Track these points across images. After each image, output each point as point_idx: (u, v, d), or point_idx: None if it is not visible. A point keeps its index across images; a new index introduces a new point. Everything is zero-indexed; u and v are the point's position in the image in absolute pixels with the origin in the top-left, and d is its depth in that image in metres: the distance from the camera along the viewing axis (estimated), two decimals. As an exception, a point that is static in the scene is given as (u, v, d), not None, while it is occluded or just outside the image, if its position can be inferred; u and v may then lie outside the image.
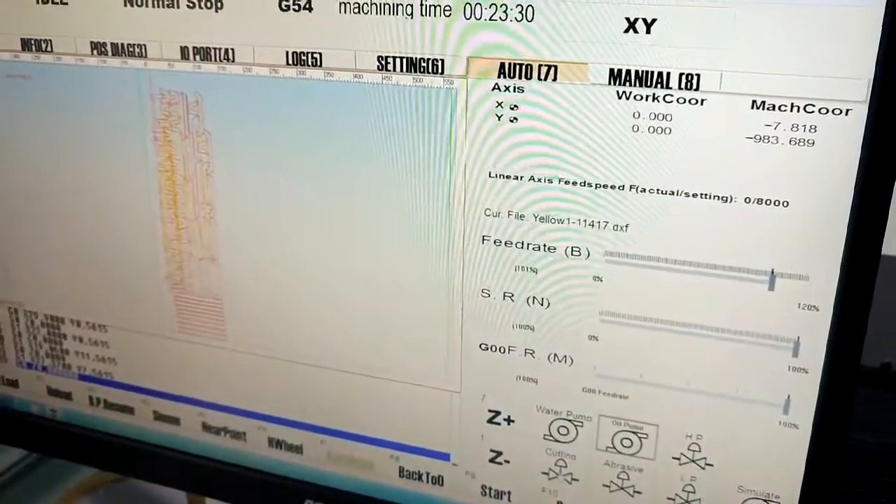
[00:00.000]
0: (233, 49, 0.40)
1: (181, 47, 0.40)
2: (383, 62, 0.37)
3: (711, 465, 0.38)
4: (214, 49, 0.40)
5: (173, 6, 0.40)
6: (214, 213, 0.43)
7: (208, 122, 0.41)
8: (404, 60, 0.37)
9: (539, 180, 0.37)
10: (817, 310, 0.35)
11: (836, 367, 0.35)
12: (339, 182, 0.40)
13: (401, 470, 0.44)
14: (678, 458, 0.38)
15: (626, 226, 0.36)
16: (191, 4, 0.40)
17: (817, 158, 0.33)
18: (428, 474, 0.43)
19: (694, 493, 0.39)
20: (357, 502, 0.44)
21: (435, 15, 0.36)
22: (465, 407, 0.41)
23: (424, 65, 0.37)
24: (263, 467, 0.46)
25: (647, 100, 0.34)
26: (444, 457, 0.42)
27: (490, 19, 0.35)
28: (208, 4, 0.39)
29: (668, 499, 0.39)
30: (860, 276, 0.34)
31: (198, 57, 0.40)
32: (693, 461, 0.38)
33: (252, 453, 0.46)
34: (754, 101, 0.33)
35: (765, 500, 0.38)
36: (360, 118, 0.38)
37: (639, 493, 0.40)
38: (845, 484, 0.58)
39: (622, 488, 0.40)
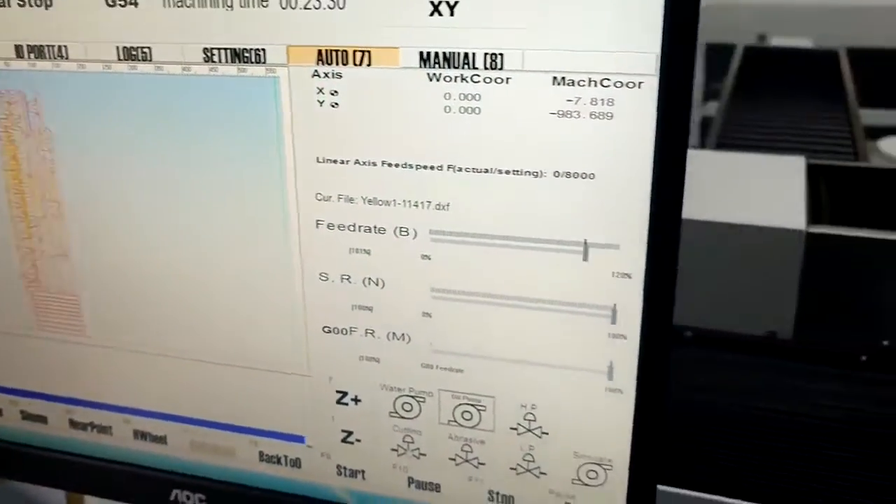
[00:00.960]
0: (65, 46, 0.40)
1: (15, 46, 0.41)
2: (209, 54, 0.38)
3: (547, 434, 0.39)
4: (48, 47, 0.40)
5: (5, 5, 0.40)
6: (62, 209, 0.43)
7: (48, 119, 0.42)
8: (228, 52, 0.38)
9: (364, 163, 0.38)
10: (630, 277, 0.36)
11: (651, 332, 0.37)
12: (178, 174, 0.40)
13: (260, 454, 0.44)
14: (516, 429, 0.40)
15: (448, 204, 0.37)
16: (21, 2, 0.40)
17: (616, 130, 0.34)
18: (286, 457, 0.44)
19: (533, 461, 0.40)
20: (222, 489, 0.45)
21: (253, 6, 0.37)
22: (315, 389, 0.42)
23: (247, 55, 0.38)
24: (131, 460, 0.47)
25: (455, 81, 0.35)
26: (299, 439, 0.43)
27: (305, 7, 0.36)
28: (38, 2, 0.40)
29: (511, 469, 0.40)
30: (665, 243, 0.35)
31: (32, 55, 0.41)
32: (530, 431, 0.40)
33: (119, 447, 0.47)
34: (555, 78, 0.34)
35: (598, 465, 0.39)
36: (193, 110, 0.39)
37: (483, 464, 0.41)
38: (728, 450, 0.59)
39: (467, 461, 0.41)
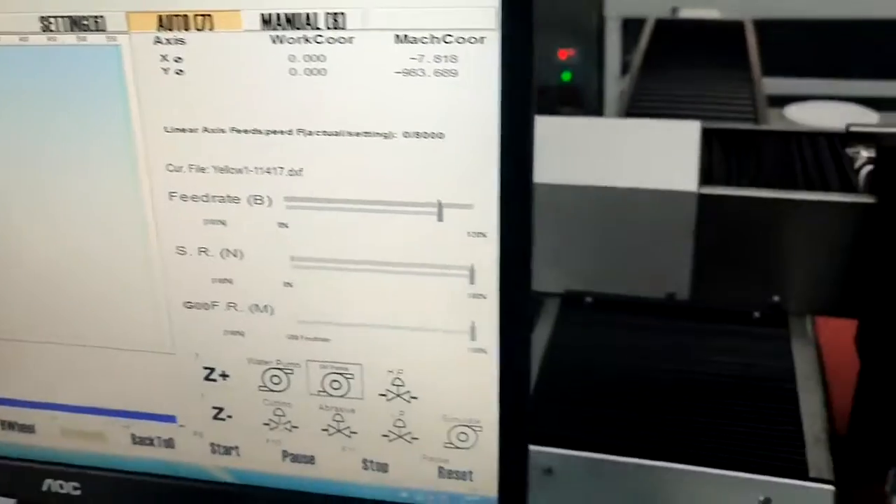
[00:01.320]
0: None
1: None
2: (46, 23, 0.37)
3: (416, 398, 0.39)
4: None
5: None
6: None
7: None
8: (66, 20, 0.36)
9: (212, 131, 0.37)
10: (485, 236, 0.36)
11: (510, 290, 0.36)
12: (23, 151, 0.39)
13: (133, 437, 0.43)
14: (385, 395, 0.39)
15: (301, 170, 0.37)
16: None
17: (462, 88, 0.34)
18: (159, 438, 0.43)
19: (405, 427, 0.40)
20: (96, 476, 0.44)
21: (88, -30, 0.35)
22: (182, 367, 0.41)
23: (86, 23, 0.36)
24: (1, 452, 0.45)
25: (299, 42, 0.35)
26: (171, 419, 0.42)
27: (141, -29, 0.35)
28: None
29: (383, 436, 0.40)
30: (518, 200, 0.35)
31: None
32: (399, 396, 0.39)
33: (-13, 438, 0.45)
34: (398, 36, 0.34)
35: (468, 426, 0.39)
36: (33, 83, 0.37)
37: (355, 433, 0.40)
38: (630, 410, 0.60)
39: (340, 431, 0.40)
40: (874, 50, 1.62)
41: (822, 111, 1.23)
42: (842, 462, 0.65)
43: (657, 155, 0.72)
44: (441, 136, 0.35)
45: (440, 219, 0.36)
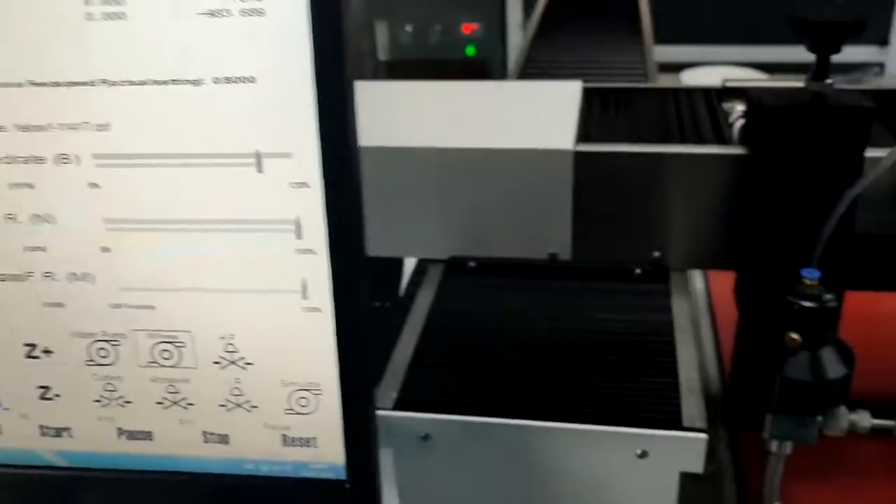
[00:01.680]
0: None
1: None
2: None
3: (252, 364, 0.37)
4: None
5: None
6: None
7: None
8: None
9: (8, 85, 0.34)
10: (308, 187, 0.34)
11: (340, 244, 0.35)
12: None
13: (-46, 425, 0.40)
14: (219, 363, 0.37)
15: (108, 124, 0.34)
16: None
17: (270, 28, 0.32)
18: (-18, 424, 0.40)
19: (242, 395, 0.38)
20: (-82, 468, 0.41)
21: None
22: (0, 345, 0.38)
23: None
24: None
25: (94, -16, 0.32)
26: (-7, 403, 0.40)
27: None
28: None
29: (220, 405, 0.38)
30: (339, 147, 0.33)
31: None
32: (233, 363, 0.37)
33: None
34: (199, -26, 0.32)
35: (308, 390, 0.37)
36: None
37: (192, 404, 0.38)
38: (516, 372, 0.59)
39: (175, 403, 0.38)
40: (770, 16, 1.66)
41: (715, 76, 1.25)
42: (729, 410, 0.66)
43: (537, 115, 0.71)
44: (252, 80, 0.33)
45: (260, 170, 0.34)
